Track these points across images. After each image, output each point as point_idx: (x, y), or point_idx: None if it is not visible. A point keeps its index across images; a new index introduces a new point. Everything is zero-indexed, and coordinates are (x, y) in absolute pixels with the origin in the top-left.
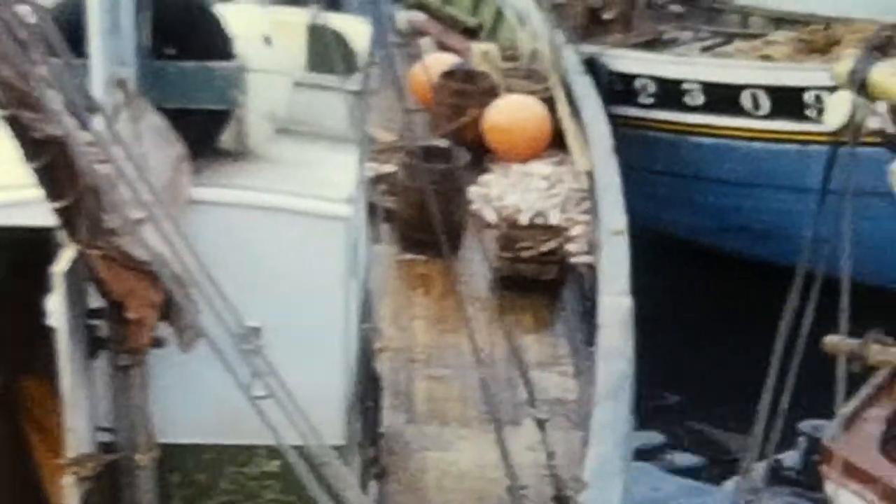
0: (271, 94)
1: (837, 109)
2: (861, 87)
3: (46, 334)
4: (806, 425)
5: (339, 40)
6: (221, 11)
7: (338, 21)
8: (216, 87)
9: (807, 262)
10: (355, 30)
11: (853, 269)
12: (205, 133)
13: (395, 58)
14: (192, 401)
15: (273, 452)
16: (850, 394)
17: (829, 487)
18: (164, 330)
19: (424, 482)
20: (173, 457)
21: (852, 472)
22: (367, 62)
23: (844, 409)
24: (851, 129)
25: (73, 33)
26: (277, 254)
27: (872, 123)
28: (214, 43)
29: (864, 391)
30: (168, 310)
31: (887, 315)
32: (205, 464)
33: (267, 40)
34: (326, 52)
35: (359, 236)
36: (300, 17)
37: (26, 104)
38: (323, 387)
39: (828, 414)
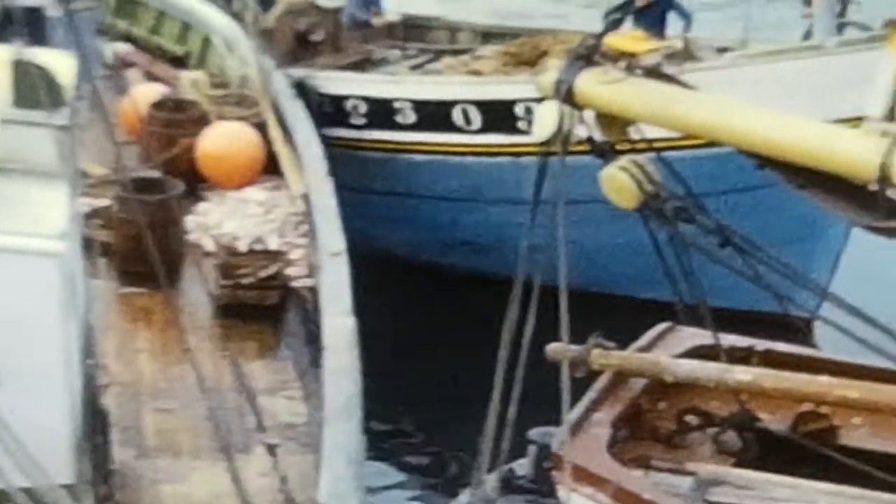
0: None
1: (545, 120)
2: (568, 96)
3: None
4: (535, 433)
5: (45, 75)
6: None
7: (43, 56)
8: None
9: (524, 272)
10: (61, 64)
11: (574, 277)
12: None
13: (103, 91)
14: None
15: (3, 495)
16: (576, 399)
17: (562, 493)
18: None
19: None
20: None
21: (583, 475)
22: (73, 96)
23: (571, 415)
24: (560, 139)
25: None
26: None
27: (581, 132)
28: None
29: (589, 396)
30: None
31: (610, 320)
32: None
33: None
34: (32, 88)
35: (75, 272)
36: (3, 54)
37: None
38: (48, 426)
39: (556, 421)
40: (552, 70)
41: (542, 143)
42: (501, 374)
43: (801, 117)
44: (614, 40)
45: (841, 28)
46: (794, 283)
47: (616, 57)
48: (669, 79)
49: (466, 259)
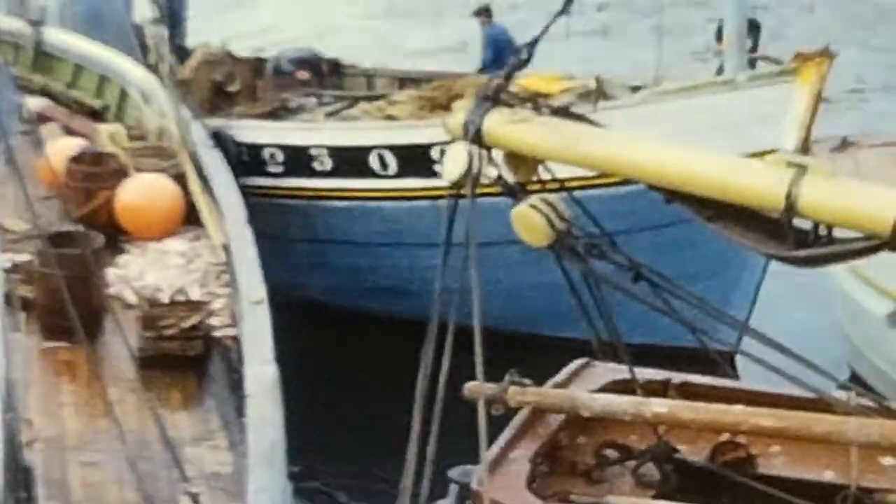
0: None
1: (454, 161)
2: (476, 137)
3: None
4: (455, 472)
5: None
6: None
7: None
8: None
9: (438, 313)
10: None
11: (492, 317)
12: None
13: (20, 145)
14: None
15: None
16: (494, 437)
17: None
18: None
19: None
20: None
21: None
22: None
23: (490, 453)
24: (470, 180)
25: None
26: None
27: (492, 173)
28: None
29: (507, 433)
30: None
31: (530, 358)
32: None
33: None
34: None
35: None
36: None
37: None
38: None
39: (476, 459)
40: (460, 111)
41: (453, 185)
42: (419, 415)
43: (708, 150)
44: (528, 80)
45: (753, 63)
46: (712, 317)
47: (526, 97)
48: (577, 117)
49: (387, 303)
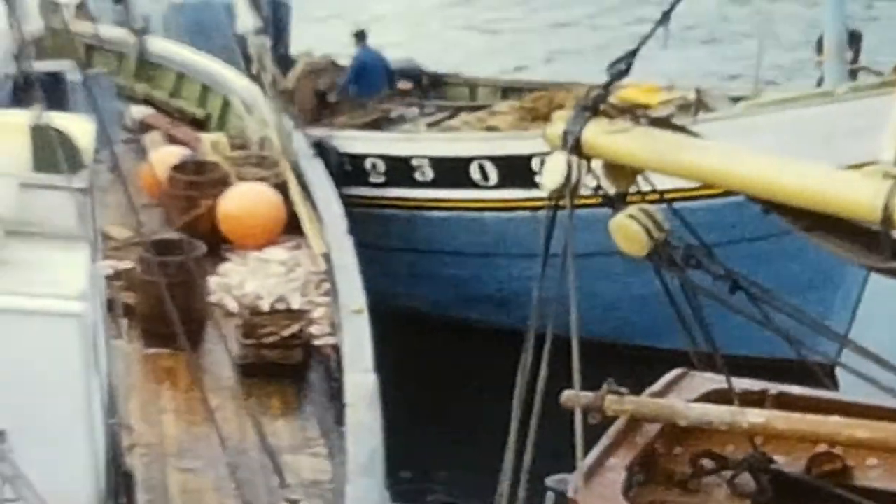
0: None
1: (553, 171)
2: (575, 147)
3: None
4: (552, 480)
5: (64, 139)
6: None
7: (61, 120)
8: None
9: (536, 323)
10: (80, 128)
11: (589, 327)
12: None
13: (124, 154)
14: None
15: None
16: (591, 445)
17: None
18: None
19: None
20: None
21: None
22: (92, 159)
23: (586, 461)
24: (568, 190)
25: None
26: (14, 355)
27: (590, 183)
28: None
29: (604, 442)
30: None
31: (626, 369)
32: None
33: None
34: (51, 152)
35: (96, 332)
36: (23, 119)
37: None
38: (73, 484)
39: (572, 468)
40: (558, 121)
41: (552, 195)
42: (517, 424)
43: (806, 161)
44: (627, 92)
45: (853, 74)
46: (811, 329)
47: (626, 108)
48: (676, 128)
49: (486, 313)
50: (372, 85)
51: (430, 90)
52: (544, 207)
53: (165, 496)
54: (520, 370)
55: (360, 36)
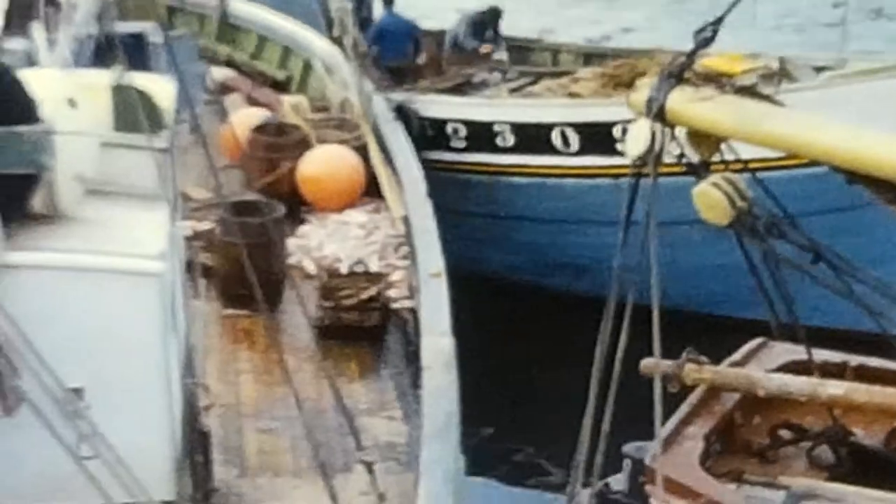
0: (79, 156)
1: (636, 138)
2: (659, 114)
3: None
4: (629, 448)
5: (145, 99)
6: (25, 76)
7: (143, 80)
8: (23, 151)
9: (616, 290)
10: (161, 89)
11: (668, 297)
12: (14, 197)
13: (205, 115)
14: (19, 466)
15: None
16: (669, 414)
17: None
18: None
19: None
20: None
21: (675, 489)
22: (173, 120)
23: (664, 430)
24: (652, 158)
25: None
26: (94, 313)
27: (674, 150)
28: (19, 107)
29: (682, 410)
30: None
31: (705, 338)
32: None
33: (72, 102)
34: (132, 112)
35: (175, 292)
36: (105, 79)
37: None
38: (149, 443)
39: (650, 435)
40: (643, 88)
41: (635, 162)
42: (595, 391)
43: (891, 132)
44: (710, 60)
45: None
46: (893, 301)
47: (710, 76)
48: (761, 96)
49: (565, 280)
50: (394, 50)
51: (512, 56)
52: (625, 175)
53: (241, 456)
54: (599, 338)
55: (387, 1)
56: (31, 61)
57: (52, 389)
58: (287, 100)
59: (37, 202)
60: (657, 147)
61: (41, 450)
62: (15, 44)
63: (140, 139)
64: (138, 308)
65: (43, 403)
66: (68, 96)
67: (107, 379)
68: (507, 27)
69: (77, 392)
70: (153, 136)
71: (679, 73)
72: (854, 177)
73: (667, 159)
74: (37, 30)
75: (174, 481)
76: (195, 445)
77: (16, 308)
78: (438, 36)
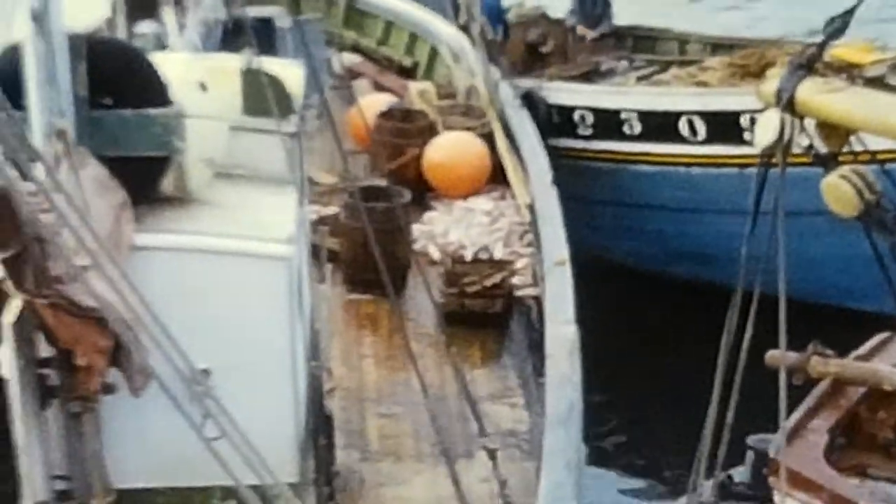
0: (209, 139)
1: (765, 129)
2: (789, 105)
3: None
4: (753, 439)
5: (275, 84)
6: (157, 59)
7: (272, 65)
8: (154, 133)
9: (743, 281)
10: (290, 73)
11: (793, 288)
12: (145, 179)
13: (331, 100)
14: (146, 444)
15: (227, 493)
16: (793, 406)
17: (778, 499)
18: (115, 376)
19: None
20: (129, 501)
21: (799, 482)
22: (302, 105)
23: (789, 422)
24: (781, 148)
25: (10, 85)
26: (222, 295)
27: (803, 141)
28: (151, 91)
29: (807, 403)
30: (117, 355)
31: (830, 330)
32: None
33: (202, 86)
34: (262, 96)
35: (302, 276)
36: (235, 63)
37: None
38: (274, 425)
39: (774, 428)
40: (773, 78)
41: (763, 152)
42: (720, 381)
43: None
44: (840, 51)
45: None
46: None
47: (840, 67)
48: (892, 88)
49: (690, 269)
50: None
51: (640, 44)
52: (752, 165)
53: (363, 440)
54: (725, 328)
55: None
56: (161, 45)
57: (180, 370)
58: (414, 86)
59: (167, 185)
60: (786, 137)
61: (166, 430)
62: (146, 27)
63: (269, 123)
64: (266, 291)
65: (171, 383)
66: (199, 80)
67: (233, 361)
68: (636, 18)
69: (204, 373)
70: (282, 121)
71: (809, 63)
72: None
73: (795, 150)
74: (167, 13)
75: (298, 464)
76: (318, 428)
77: (145, 289)
78: (563, 24)
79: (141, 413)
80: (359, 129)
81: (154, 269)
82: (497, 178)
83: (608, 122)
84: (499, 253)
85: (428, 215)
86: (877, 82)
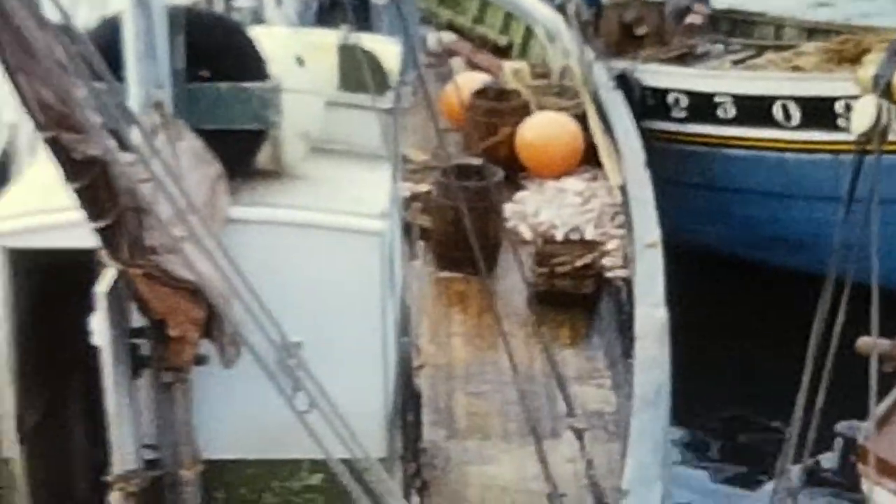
0: (305, 114)
1: (862, 114)
2: (886, 91)
3: (90, 355)
4: (842, 426)
5: (371, 60)
6: (255, 33)
7: (369, 41)
8: (251, 107)
9: (835, 269)
10: (386, 50)
11: (885, 276)
12: (241, 153)
13: (427, 78)
14: (235, 416)
15: (316, 466)
16: (883, 394)
17: (866, 486)
18: (207, 347)
19: (466, 496)
20: (217, 472)
21: (888, 469)
22: (398, 82)
23: (878, 409)
24: (877, 134)
25: (110, 56)
26: (315, 269)
27: None
28: (248, 64)
29: None
30: (210, 326)
31: None
32: (249, 478)
33: (300, 61)
34: (358, 72)
35: (394, 252)
36: (332, 39)
37: (66, 125)
38: (364, 400)
39: (863, 414)
40: (870, 64)
41: (859, 139)
42: (811, 368)
43: None
44: None
45: None
46: None
47: None
48: None
49: (781, 255)
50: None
51: (736, 28)
52: (847, 151)
53: (451, 417)
54: (817, 314)
55: None
56: (258, 19)
57: (273, 342)
58: (508, 65)
59: (263, 158)
60: (882, 124)
61: (257, 403)
62: (243, 1)
63: (365, 99)
64: (359, 266)
65: (263, 355)
66: (296, 55)
67: (325, 334)
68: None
69: (296, 345)
70: (378, 97)
71: None
72: None
73: (891, 136)
74: None
75: (386, 439)
76: (407, 405)
77: (240, 262)
78: (660, 6)
79: (232, 385)
80: (453, 108)
81: (248, 241)
82: (589, 158)
83: (702, 106)
84: (590, 234)
85: (520, 195)
86: None
